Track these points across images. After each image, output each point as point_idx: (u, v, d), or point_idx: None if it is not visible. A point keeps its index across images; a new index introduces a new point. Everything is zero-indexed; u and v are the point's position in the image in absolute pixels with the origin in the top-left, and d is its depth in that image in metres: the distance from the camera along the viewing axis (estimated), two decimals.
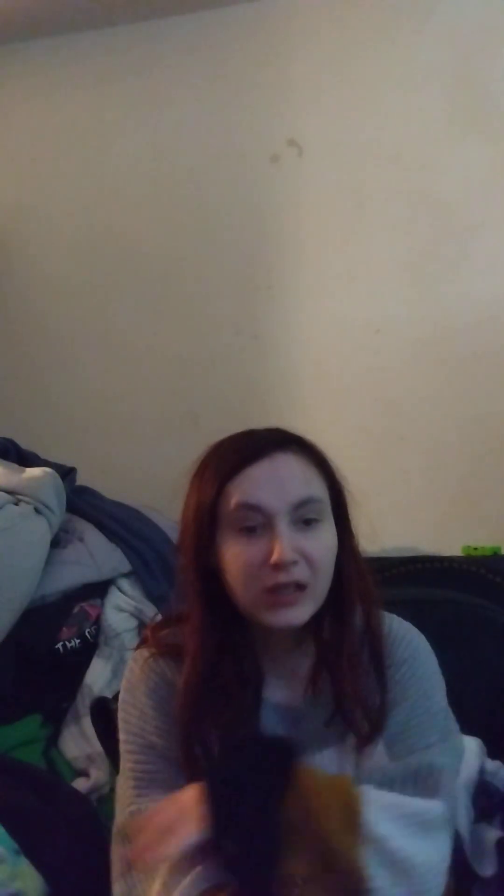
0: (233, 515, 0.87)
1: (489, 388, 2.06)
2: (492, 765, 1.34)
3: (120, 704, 0.96)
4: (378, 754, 0.93)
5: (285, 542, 0.84)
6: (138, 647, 1.00)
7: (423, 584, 1.83)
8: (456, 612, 1.59)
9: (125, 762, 0.93)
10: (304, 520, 0.87)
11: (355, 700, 0.92)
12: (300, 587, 0.86)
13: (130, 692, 0.95)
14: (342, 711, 0.92)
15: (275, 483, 0.87)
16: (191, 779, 0.88)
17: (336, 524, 0.92)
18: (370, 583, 0.96)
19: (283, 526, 0.86)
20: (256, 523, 0.86)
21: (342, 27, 2.07)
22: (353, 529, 0.95)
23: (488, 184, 2.02)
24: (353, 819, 0.81)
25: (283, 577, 0.85)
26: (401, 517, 2.10)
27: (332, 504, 0.92)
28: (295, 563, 0.85)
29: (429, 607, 1.58)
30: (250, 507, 0.86)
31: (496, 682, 1.49)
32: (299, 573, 0.86)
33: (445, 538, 2.06)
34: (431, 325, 2.08)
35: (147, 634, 0.99)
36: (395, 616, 1.01)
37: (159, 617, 1.08)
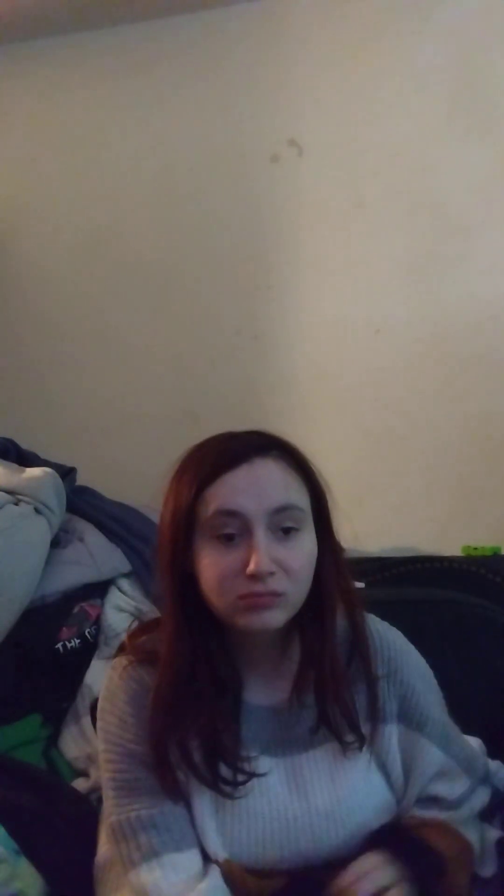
0: (210, 522, 0.86)
1: (489, 388, 2.06)
2: (492, 765, 1.34)
3: (99, 713, 0.95)
4: (432, 754, 0.98)
5: (262, 553, 0.84)
6: (117, 654, 0.98)
7: (423, 584, 1.83)
8: (456, 612, 1.58)
9: (105, 772, 0.92)
10: (282, 528, 0.87)
11: (339, 704, 0.92)
12: (276, 594, 0.86)
13: (110, 700, 0.94)
14: (325, 716, 0.92)
15: (254, 489, 0.86)
16: (164, 785, 0.89)
17: (317, 529, 0.91)
18: (352, 586, 0.96)
19: (260, 534, 0.85)
20: (234, 530, 0.86)
21: (342, 27, 2.07)
22: (335, 534, 0.95)
23: (488, 184, 2.02)
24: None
25: (259, 587, 0.84)
26: (401, 517, 2.10)
27: (313, 510, 0.91)
28: (272, 573, 0.84)
29: (429, 607, 1.58)
30: (228, 514, 0.86)
31: (496, 682, 1.48)
32: (276, 584, 0.85)
33: (445, 538, 2.06)
34: (431, 325, 2.08)
35: (124, 642, 0.98)
36: (373, 616, 1.01)
37: (136, 623, 1.07)
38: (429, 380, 2.09)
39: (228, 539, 0.86)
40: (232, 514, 0.86)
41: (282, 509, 0.86)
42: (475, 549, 2.02)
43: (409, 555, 1.95)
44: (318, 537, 0.91)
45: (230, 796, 0.89)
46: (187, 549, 0.89)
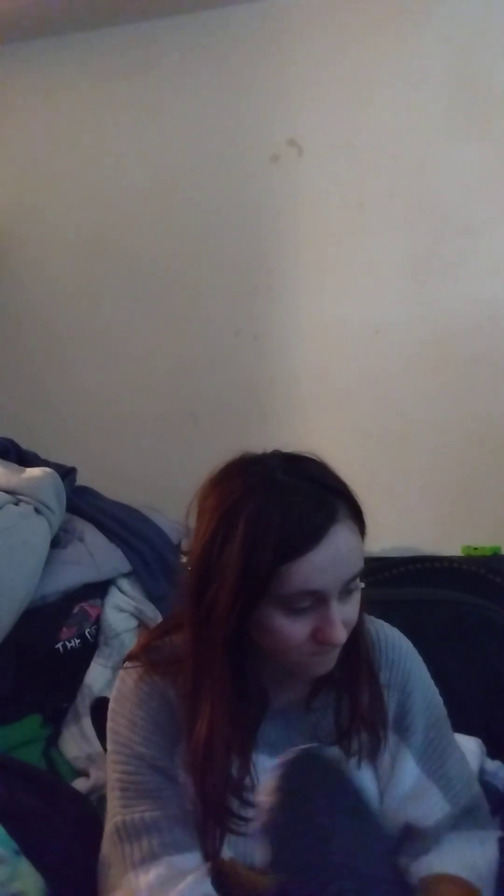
0: (289, 598, 0.83)
1: (489, 388, 2.06)
2: (492, 765, 1.34)
3: (109, 714, 0.95)
4: (407, 768, 0.96)
5: (338, 624, 0.83)
6: (127, 658, 0.97)
7: (423, 584, 1.83)
8: (456, 612, 1.59)
9: (111, 773, 0.93)
10: (347, 589, 0.85)
11: (354, 710, 0.93)
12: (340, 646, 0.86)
13: (120, 702, 0.94)
14: (338, 722, 0.93)
15: (335, 566, 0.83)
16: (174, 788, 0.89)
17: None
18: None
19: (334, 604, 0.83)
20: (310, 604, 0.84)
21: (342, 27, 2.07)
22: None
23: (488, 184, 2.02)
24: None
25: (328, 649, 0.85)
26: (401, 517, 2.10)
27: None
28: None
29: (429, 607, 1.58)
30: (311, 593, 0.83)
31: (496, 682, 1.49)
32: (342, 639, 0.85)
33: (445, 538, 2.06)
34: (431, 326, 2.08)
35: (136, 652, 0.96)
36: (382, 621, 1.01)
37: (158, 618, 1.06)
38: (429, 380, 2.09)
39: (301, 611, 0.84)
40: (314, 593, 0.83)
41: (354, 577, 0.85)
42: (475, 549, 2.02)
43: (410, 555, 1.95)
44: None
45: (236, 832, 0.89)
46: (250, 610, 0.84)
